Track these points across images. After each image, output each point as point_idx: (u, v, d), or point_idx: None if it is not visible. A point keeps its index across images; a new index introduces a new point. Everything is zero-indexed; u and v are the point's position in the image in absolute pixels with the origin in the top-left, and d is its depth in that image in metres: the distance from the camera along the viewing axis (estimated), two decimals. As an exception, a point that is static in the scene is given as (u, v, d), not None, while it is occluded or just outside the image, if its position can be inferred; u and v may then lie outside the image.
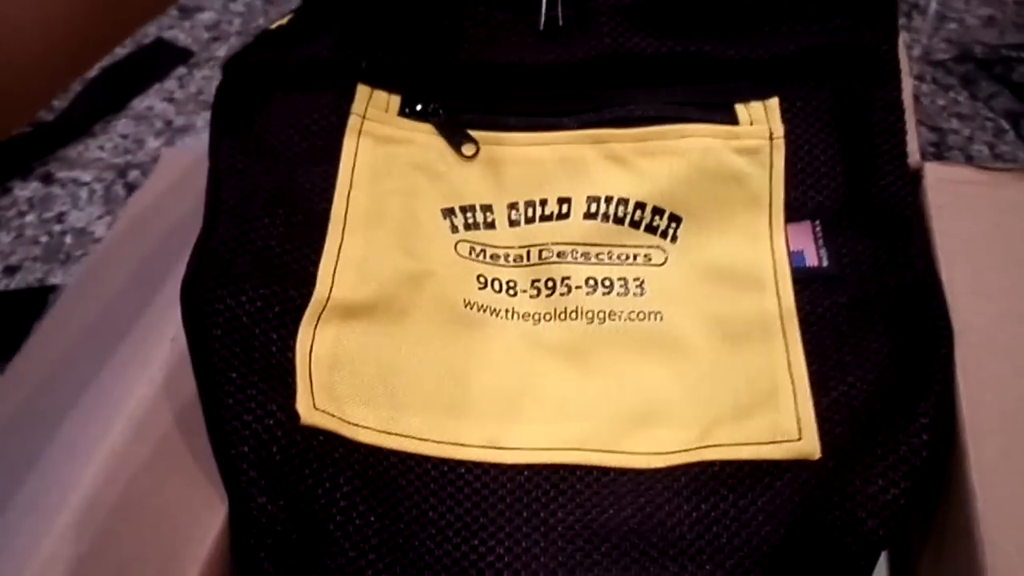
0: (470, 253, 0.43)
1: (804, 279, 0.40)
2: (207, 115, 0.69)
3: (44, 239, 0.63)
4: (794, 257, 0.41)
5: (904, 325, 0.38)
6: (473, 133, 0.44)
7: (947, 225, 0.40)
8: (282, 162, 0.43)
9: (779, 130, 0.43)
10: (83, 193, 0.65)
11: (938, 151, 0.64)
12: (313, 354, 0.38)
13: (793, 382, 0.38)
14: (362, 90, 0.45)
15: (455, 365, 0.40)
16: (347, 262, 0.41)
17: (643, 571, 0.34)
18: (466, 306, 0.42)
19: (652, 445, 0.38)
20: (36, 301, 0.55)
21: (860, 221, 0.41)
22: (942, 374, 0.37)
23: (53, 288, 0.57)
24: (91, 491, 0.34)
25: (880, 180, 0.42)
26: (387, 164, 0.44)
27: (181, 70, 0.73)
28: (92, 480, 0.34)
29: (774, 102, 0.43)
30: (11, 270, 0.61)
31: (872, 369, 0.38)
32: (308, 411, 0.36)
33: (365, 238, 0.42)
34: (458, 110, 0.45)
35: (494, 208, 0.44)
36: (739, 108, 0.43)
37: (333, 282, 0.40)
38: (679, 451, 0.37)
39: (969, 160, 0.62)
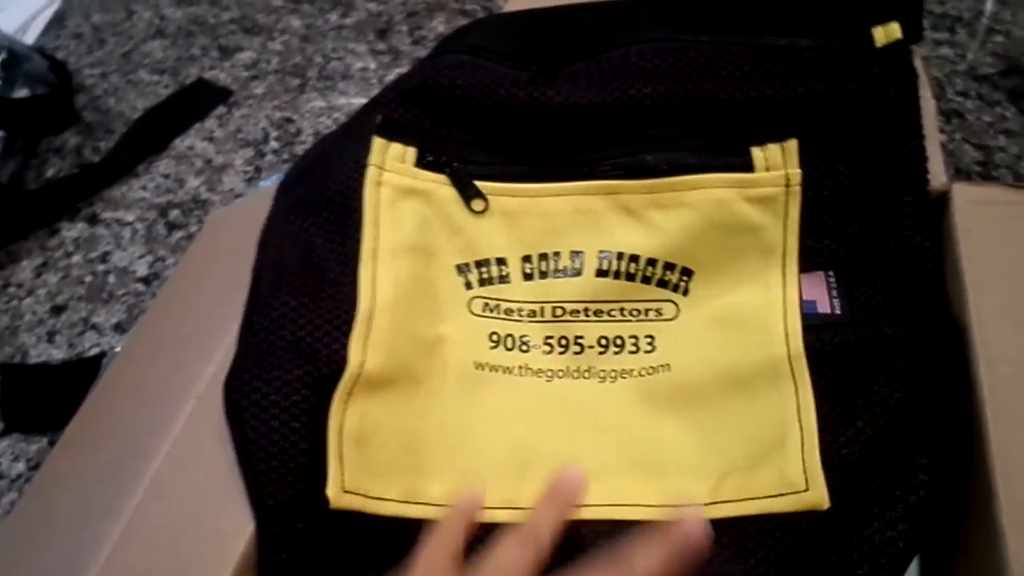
0: (484, 309, 0.43)
1: (816, 325, 0.39)
2: (245, 153, 0.72)
3: (88, 279, 0.65)
4: (806, 305, 0.40)
5: (917, 370, 0.37)
6: (486, 184, 0.44)
7: (976, 251, 0.38)
8: (308, 225, 0.44)
9: (796, 176, 0.41)
10: (126, 233, 0.67)
11: (984, 170, 0.61)
12: (344, 432, 0.38)
13: (802, 427, 0.37)
14: (378, 143, 0.45)
15: (468, 427, 0.40)
16: (377, 335, 0.41)
17: None
18: (478, 368, 0.42)
19: (667, 497, 0.37)
20: (90, 369, 0.57)
21: (877, 265, 0.40)
22: (946, 414, 0.35)
23: (103, 355, 0.59)
24: (115, 550, 0.35)
25: (900, 221, 0.40)
26: (407, 222, 0.44)
27: (221, 109, 0.75)
28: (119, 537, 0.36)
29: (792, 144, 0.41)
30: (58, 309, 0.63)
31: (882, 414, 0.36)
32: (337, 495, 0.37)
33: (392, 309, 0.41)
34: (471, 161, 0.45)
35: (508, 262, 0.44)
36: (755, 152, 0.42)
37: (365, 357, 0.40)
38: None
39: (1018, 179, 0.60)
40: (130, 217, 0.68)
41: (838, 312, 0.39)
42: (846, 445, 0.36)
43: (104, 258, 0.66)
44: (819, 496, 0.35)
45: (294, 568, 0.35)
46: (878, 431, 0.36)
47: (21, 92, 0.72)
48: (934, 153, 0.42)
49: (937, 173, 0.41)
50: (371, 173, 0.44)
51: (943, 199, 0.41)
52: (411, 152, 0.45)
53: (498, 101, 0.44)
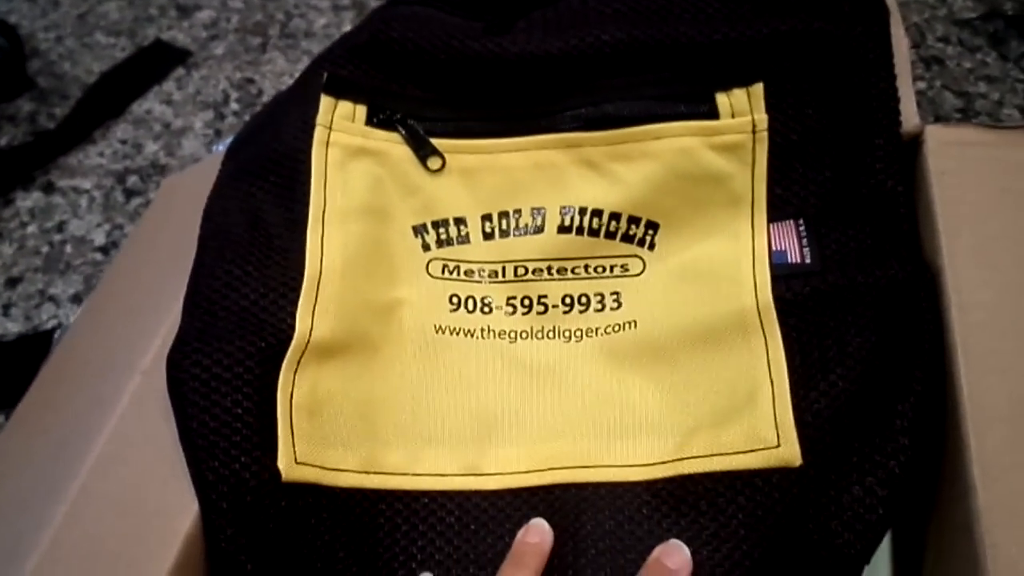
0: (443, 271, 0.42)
1: (785, 275, 0.38)
2: (205, 116, 0.69)
3: (45, 249, 0.63)
4: (775, 255, 0.38)
5: (890, 319, 0.35)
6: (443, 142, 0.42)
7: (949, 193, 0.36)
8: (255, 190, 0.42)
9: (763, 121, 0.39)
10: (83, 201, 0.65)
11: (964, 117, 0.60)
12: (294, 402, 0.36)
13: (772, 381, 0.35)
14: (326, 101, 0.42)
15: (429, 393, 0.39)
16: (325, 302, 0.39)
17: None
18: (437, 331, 0.41)
19: (630, 457, 0.36)
20: (46, 343, 0.55)
21: (848, 212, 0.39)
22: (924, 372, 0.34)
23: (55, 329, 0.57)
24: (59, 532, 0.34)
25: (872, 166, 0.39)
26: (357, 180, 0.42)
27: (180, 71, 0.73)
28: (63, 520, 0.34)
29: (758, 88, 0.40)
30: (13, 282, 0.61)
31: (855, 366, 0.35)
32: (289, 467, 0.35)
33: (341, 274, 0.40)
34: (425, 117, 0.43)
35: (468, 221, 0.42)
36: (720, 98, 0.40)
37: (312, 324, 0.38)
38: (657, 463, 0.36)
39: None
40: (87, 185, 0.66)
41: (808, 261, 0.38)
42: (818, 400, 0.34)
43: (60, 227, 0.64)
44: (791, 452, 0.34)
45: (243, 544, 0.33)
46: (852, 384, 0.34)
47: (-30, 57, 0.69)
48: (906, 94, 0.40)
49: (909, 115, 0.39)
50: (319, 133, 0.42)
51: (916, 141, 0.39)
52: (361, 110, 0.43)
53: (451, 54, 0.42)
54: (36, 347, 0.55)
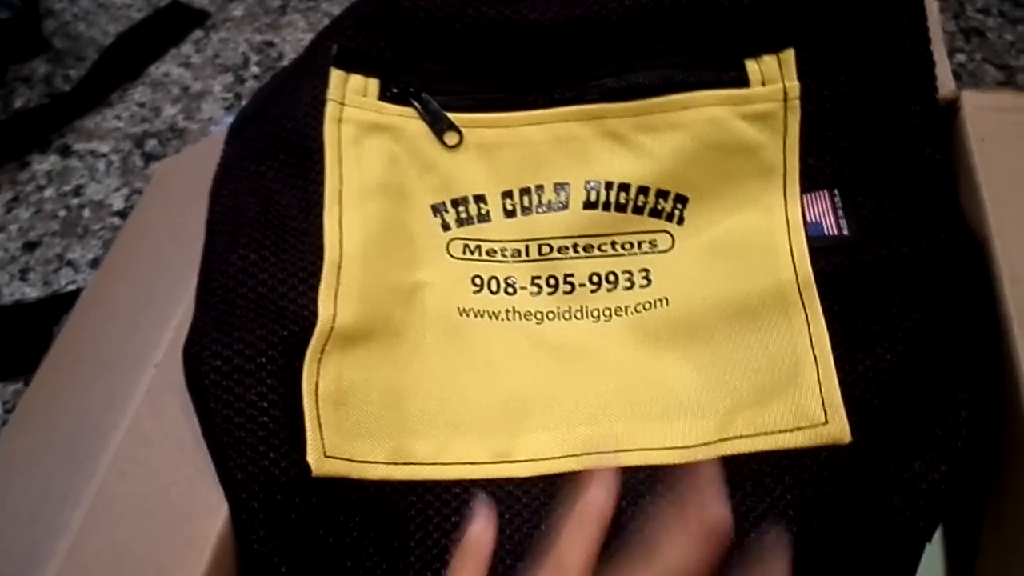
0: (464, 252, 0.40)
1: (823, 248, 0.37)
2: (224, 79, 0.68)
3: (62, 213, 0.62)
4: (811, 227, 0.37)
5: (937, 289, 0.34)
6: (459, 116, 0.41)
7: (991, 160, 0.35)
8: (264, 170, 0.40)
9: (794, 89, 0.38)
10: (100, 165, 0.64)
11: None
12: (320, 392, 0.35)
13: (816, 358, 0.34)
14: (336, 75, 0.41)
15: (455, 379, 0.37)
16: (347, 287, 0.37)
17: None
18: (461, 314, 0.39)
19: (669, 439, 0.35)
20: (66, 306, 0.53)
21: (885, 181, 0.37)
22: (984, 342, 0.33)
23: (79, 292, 0.56)
24: (79, 538, 0.32)
25: (908, 133, 0.37)
26: (373, 158, 0.40)
27: (197, 33, 0.71)
28: (81, 525, 0.32)
29: (789, 55, 0.38)
30: (31, 246, 0.60)
31: (902, 339, 0.33)
32: (319, 461, 0.33)
33: (362, 258, 0.38)
34: (440, 91, 0.41)
35: (487, 198, 0.40)
36: (750, 65, 0.39)
37: (335, 311, 0.36)
38: (698, 445, 0.34)
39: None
40: (104, 148, 0.65)
41: (846, 233, 0.37)
42: (866, 374, 0.33)
43: (78, 191, 0.63)
44: (840, 429, 0.33)
45: (276, 545, 0.32)
46: (900, 358, 0.33)
47: (-16, 16, 0.67)
48: (940, 59, 0.38)
49: (945, 80, 0.38)
50: (330, 109, 0.40)
51: (952, 107, 0.38)
52: (373, 84, 0.41)
53: (466, 22, 0.40)
54: (56, 310, 0.54)
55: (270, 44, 0.69)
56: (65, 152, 0.65)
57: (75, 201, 0.62)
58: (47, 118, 0.66)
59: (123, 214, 0.61)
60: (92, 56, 0.71)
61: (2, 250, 0.60)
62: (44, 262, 0.59)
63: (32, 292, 0.57)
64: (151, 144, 0.64)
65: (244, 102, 0.65)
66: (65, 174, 0.64)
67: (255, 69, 0.68)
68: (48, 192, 0.63)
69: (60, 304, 0.55)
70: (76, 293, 0.55)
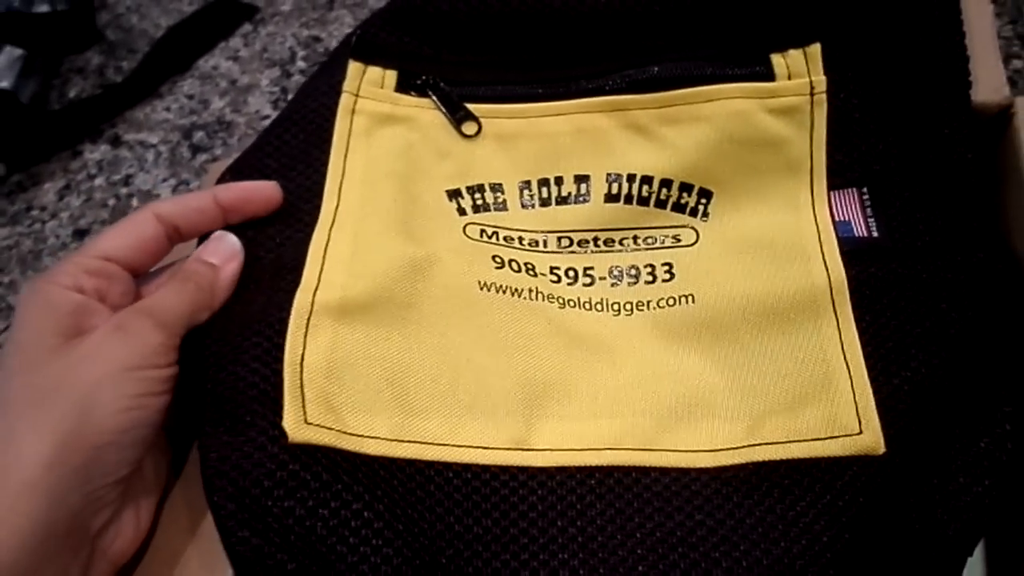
0: (481, 235, 0.39)
1: (853, 251, 0.35)
2: (271, 74, 0.69)
3: (112, 202, 0.63)
4: (840, 227, 0.36)
5: (976, 302, 0.33)
6: (479, 106, 0.40)
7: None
8: (278, 150, 0.40)
9: (821, 83, 0.37)
10: (149, 155, 0.65)
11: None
12: (305, 364, 0.34)
13: (849, 367, 0.33)
14: (354, 67, 0.41)
15: (473, 356, 0.36)
16: (335, 260, 0.37)
17: None
18: (482, 288, 0.37)
19: (697, 441, 0.34)
20: None
21: (915, 180, 0.36)
22: None
23: None
24: None
25: (939, 132, 0.36)
26: (384, 146, 0.40)
27: (246, 27, 0.72)
28: None
29: (815, 49, 0.38)
30: (81, 233, 0.62)
31: (939, 352, 0.33)
32: (297, 427, 0.32)
33: (354, 230, 0.37)
34: (459, 81, 0.41)
35: (505, 187, 0.40)
36: (775, 58, 0.38)
37: (319, 283, 0.36)
38: (727, 448, 0.33)
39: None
40: (153, 139, 0.66)
41: (875, 235, 0.36)
42: (901, 387, 0.33)
43: (127, 181, 0.64)
44: (874, 440, 0.32)
45: (244, 519, 0.31)
46: (936, 370, 0.32)
47: (41, 8, 0.69)
48: (994, 63, 0.37)
49: (999, 86, 0.37)
50: (344, 100, 0.40)
51: (1006, 114, 0.37)
52: (391, 76, 0.41)
53: (488, 12, 0.40)
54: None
55: (317, 39, 0.70)
56: (116, 142, 0.66)
57: (124, 190, 0.63)
58: (99, 108, 0.67)
59: (170, 204, 0.62)
60: (144, 48, 0.72)
61: (53, 236, 0.62)
62: (93, 249, 0.60)
63: (81, 278, 0.58)
64: (199, 136, 0.65)
65: (290, 96, 0.66)
66: (115, 164, 0.65)
67: (302, 64, 0.68)
68: (98, 181, 0.64)
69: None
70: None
